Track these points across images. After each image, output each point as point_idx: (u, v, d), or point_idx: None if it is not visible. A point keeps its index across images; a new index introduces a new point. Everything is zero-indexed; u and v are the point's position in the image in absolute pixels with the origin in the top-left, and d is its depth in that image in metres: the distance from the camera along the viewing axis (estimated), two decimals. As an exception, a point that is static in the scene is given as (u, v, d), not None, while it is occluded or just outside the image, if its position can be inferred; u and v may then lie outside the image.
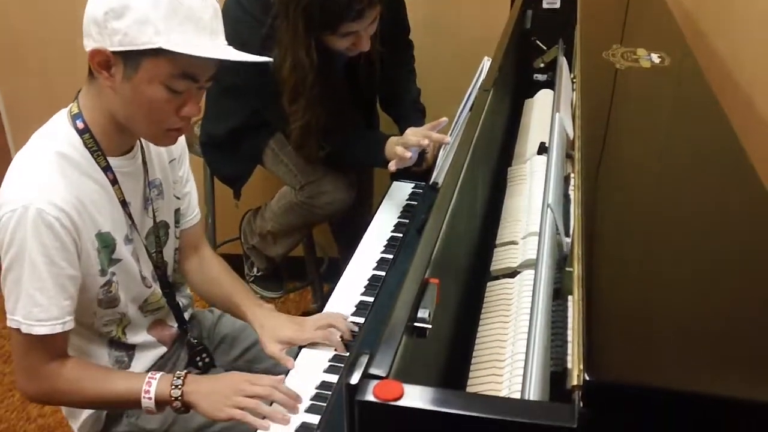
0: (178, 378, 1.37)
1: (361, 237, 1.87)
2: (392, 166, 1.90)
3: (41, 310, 1.30)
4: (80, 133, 1.34)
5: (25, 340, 1.32)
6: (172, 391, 1.36)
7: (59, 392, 1.40)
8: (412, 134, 1.89)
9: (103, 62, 1.26)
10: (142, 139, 1.46)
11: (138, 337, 1.53)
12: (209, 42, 1.28)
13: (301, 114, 1.95)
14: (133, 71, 1.26)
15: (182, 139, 1.58)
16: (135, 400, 1.38)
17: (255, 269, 2.55)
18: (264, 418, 1.32)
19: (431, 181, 1.92)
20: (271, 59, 1.38)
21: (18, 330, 1.31)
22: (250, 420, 1.31)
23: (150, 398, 1.36)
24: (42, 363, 1.36)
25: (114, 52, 1.24)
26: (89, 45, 1.27)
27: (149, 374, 1.39)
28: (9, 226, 1.27)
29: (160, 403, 1.38)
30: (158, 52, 1.23)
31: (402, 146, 1.87)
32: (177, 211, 1.60)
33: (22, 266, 1.28)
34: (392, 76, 2.22)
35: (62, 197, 1.29)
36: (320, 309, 1.61)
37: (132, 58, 1.25)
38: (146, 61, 1.25)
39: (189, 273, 1.70)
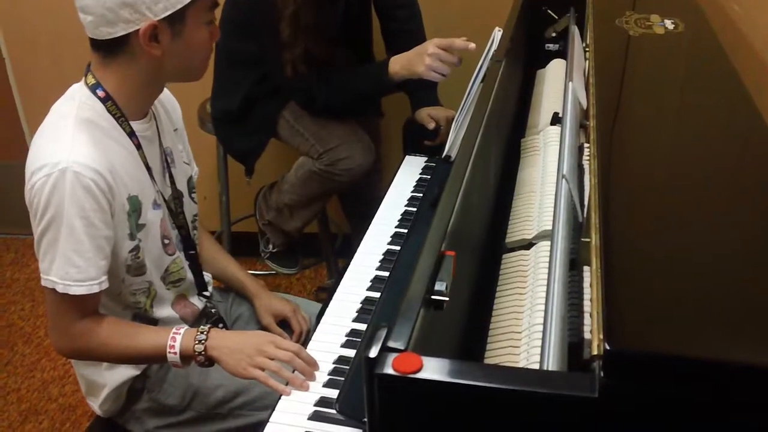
0: (202, 333, 1.39)
1: (371, 211, 1.86)
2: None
3: (78, 271, 1.32)
4: (102, 101, 1.36)
5: (60, 300, 1.35)
6: (195, 346, 1.38)
7: (90, 349, 1.42)
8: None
9: (152, 35, 1.30)
10: (152, 106, 1.48)
11: (163, 311, 1.54)
12: None
13: (301, 39, 2.02)
14: (182, 26, 1.32)
15: (180, 112, 1.62)
16: (162, 355, 1.39)
17: (270, 246, 2.55)
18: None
19: (444, 155, 1.92)
20: None
21: (53, 290, 1.33)
22: (272, 384, 1.32)
23: (175, 353, 1.38)
24: (75, 321, 1.38)
25: (160, 20, 1.28)
26: (119, 30, 1.29)
27: (174, 329, 1.40)
28: (44, 191, 1.28)
29: (185, 358, 1.39)
30: None
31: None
32: (190, 178, 1.62)
33: (59, 229, 1.30)
34: (396, 33, 2.28)
35: (96, 160, 1.30)
36: (336, 284, 1.61)
37: (177, 15, 1.30)
38: (189, 11, 1.31)
39: None
